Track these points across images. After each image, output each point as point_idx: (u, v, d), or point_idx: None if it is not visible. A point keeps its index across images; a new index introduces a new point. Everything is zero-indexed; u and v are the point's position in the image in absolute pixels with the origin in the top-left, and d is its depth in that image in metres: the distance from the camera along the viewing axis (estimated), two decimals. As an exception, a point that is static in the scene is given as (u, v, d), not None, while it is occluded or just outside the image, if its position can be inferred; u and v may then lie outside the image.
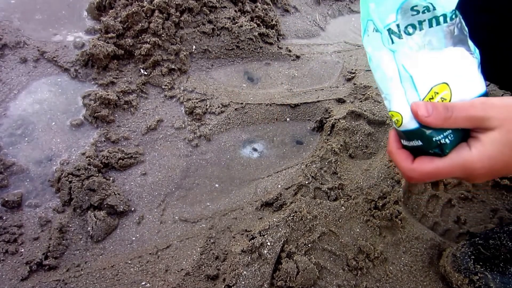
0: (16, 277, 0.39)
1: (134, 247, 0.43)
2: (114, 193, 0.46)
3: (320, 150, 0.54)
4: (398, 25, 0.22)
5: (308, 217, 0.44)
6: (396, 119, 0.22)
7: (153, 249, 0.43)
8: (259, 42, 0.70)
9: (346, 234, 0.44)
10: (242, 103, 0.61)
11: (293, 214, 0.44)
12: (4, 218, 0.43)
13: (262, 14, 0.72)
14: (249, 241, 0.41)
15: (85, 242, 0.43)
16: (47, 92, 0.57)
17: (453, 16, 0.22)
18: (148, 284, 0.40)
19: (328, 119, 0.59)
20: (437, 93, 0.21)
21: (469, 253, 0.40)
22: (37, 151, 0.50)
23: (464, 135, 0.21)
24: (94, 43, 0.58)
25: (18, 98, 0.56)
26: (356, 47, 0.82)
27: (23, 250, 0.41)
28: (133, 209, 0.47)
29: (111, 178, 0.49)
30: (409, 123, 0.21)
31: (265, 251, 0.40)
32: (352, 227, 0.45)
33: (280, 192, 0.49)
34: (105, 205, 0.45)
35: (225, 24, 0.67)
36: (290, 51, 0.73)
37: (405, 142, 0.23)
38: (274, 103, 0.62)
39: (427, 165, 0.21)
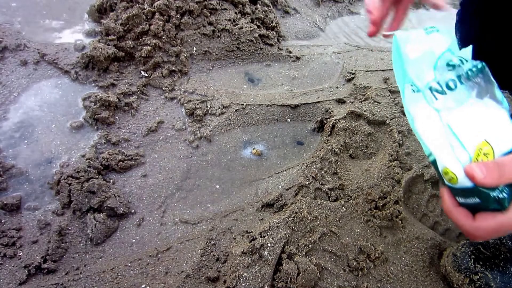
0: (14, 281, 0.38)
1: (134, 249, 0.43)
2: (114, 195, 0.46)
3: (320, 150, 0.55)
4: (438, 82, 0.22)
5: (309, 218, 0.44)
6: (451, 177, 0.22)
7: (153, 251, 0.43)
8: (260, 43, 0.71)
9: (347, 235, 0.44)
10: (242, 104, 0.61)
11: (294, 215, 0.44)
12: (3, 221, 0.43)
13: (262, 16, 0.73)
14: (250, 243, 0.41)
15: (85, 245, 0.43)
16: (48, 94, 0.57)
17: (482, 68, 0.22)
18: (148, 287, 0.40)
19: (328, 120, 0.59)
20: (481, 149, 0.21)
21: (470, 252, 0.40)
22: (36, 153, 0.50)
23: None
24: (95, 45, 0.58)
25: (18, 100, 0.55)
26: (356, 48, 0.82)
27: (21, 253, 0.40)
28: (133, 211, 0.47)
29: (111, 180, 0.49)
30: (465, 181, 0.21)
31: (265, 252, 0.40)
32: (353, 227, 0.45)
33: (280, 193, 0.49)
34: (105, 208, 0.45)
35: (225, 26, 0.68)
36: (290, 52, 0.74)
37: (461, 200, 0.22)
38: (274, 104, 0.62)
39: (491, 222, 0.21)
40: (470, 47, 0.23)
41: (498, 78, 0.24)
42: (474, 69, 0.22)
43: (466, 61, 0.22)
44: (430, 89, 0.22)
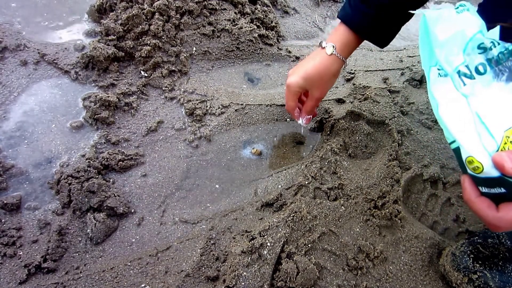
0: (14, 280, 0.38)
1: (134, 249, 0.43)
2: (114, 195, 0.46)
3: (319, 150, 0.55)
4: (467, 66, 0.20)
5: (308, 217, 0.44)
6: (476, 166, 0.20)
7: (153, 250, 0.43)
8: (259, 43, 0.71)
9: (346, 234, 0.44)
10: (242, 104, 0.61)
11: (293, 214, 0.44)
12: (3, 221, 0.43)
13: (262, 16, 0.73)
14: (249, 242, 0.41)
15: (85, 245, 0.43)
16: (47, 95, 0.57)
17: None
18: (148, 286, 0.40)
19: (327, 119, 0.59)
20: (508, 137, 0.20)
21: (468, 252, 0.40)
22: (36, 153, 0.50)
23: None
24: (95, 46, 0.59)
25: (18, 100, 0.56)
26: (354, 48, 0.83)
27: (21, 253, 0.41)
28: (133, 210, 0.47)
29: (111, 180, 0.49)
30: (491, 170, 0.20)
31: (265, 252, 0.40)
32: (352, 226, 0.45)
33: (280, 193, 0.49)
34: (105, 207, 0.45)
35: (225, 26, 0.68)
36: (290, 52, 0.74)
37: (485, 190, 0.21)
38: (274, 104, 0.62)
39: None
40: (497, 28, 0.21)
41: None
42: (505, 52, 0.20)
43: (498, 43, 0.20)
44: (459, 73, 0.20)
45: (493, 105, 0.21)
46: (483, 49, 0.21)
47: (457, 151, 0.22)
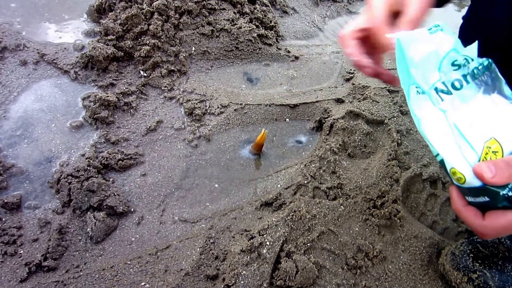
0: (15, 279, 0.39)
1: (134, 247, 0.43)
2: (114, 194, 0.46)
3: (319, 149, 0.55)
4: (443, 82, 0.21)
5: (307, 217, 0.44)
6: (459, 177, 0.21)
7: (152, 249, 0.43)
8: (258, 43, 0.71)
9: (345, 233, 0.44)
10: (241, 104, 0.61)
11: (292, 213, 0.44)
12: (3, 219, 0.43)
13: (261, 16, 0.73)
14: (249, 241, 0.41)
15: (85, 243, 0.43)
16: (47, 94, 0.57)
17: (489, 65, 0.22)
18: (148, 285, 0.40)
19: (327, 119, 0.59)
20: (489, 147, 0.21)
21: (468, 251, 0.40)
22: (36, 152, 0.50)
23: None
24: (94, 45, 0.59)
25: (18, 100, 0.56)
26: (354, 47, 0.82)
27: (22, 251, 0.41)
28: (132, 209, 0.47)
29: (110, 179, 0.49)
30: (473, 181, 0.21)
31: (264, 251, 0.40)
32: (351, 226, 0.45)
33: (279, 192, 0.49)
34: (105, 206, 0.45)
35: (224, 26, 0.68)
36: (289, 52, 0.74)
37: (470, 199, 0.22)
38: (273, 104, 0.62)
39: (501, 220, 0.21)
40: (475, 44, 0.22)
41: (506, 74, 0.23)
42: (480, 67, 0.21)
43: (472, 59, 0.22)
44: (436, 90, 0.21)
45: (472, 118, 0.22)
46: (457, 65, 0.22)
47: (442, 163, 0.23)
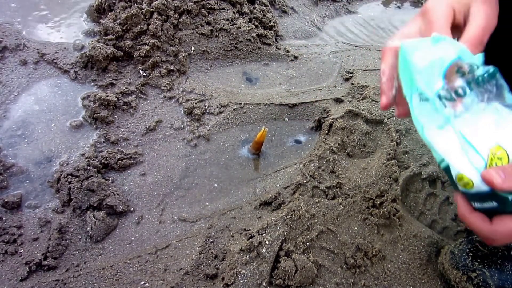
0: (15, 278, 0.39)
1: (133, 247, 0.44)
2: (113, 193, 0.46)
3: (318, 149, 0.55)
4: (447, 89, 0.22)
5: (306, 216, 0.44)
6: (466, 182, 0.21)
7: (152, 249, 0.43)
8: (257, 43, 0.71)
9: (344, 233, 0.44)
10: (240, 103, 0.62)
11: (292, 213, 0.44)
12: (3, 219, 0.43)
13: (260, 15, 0.73)
14: (248, 240, 0.41)
15: (85, 242, 0.43)
16: (47, 94, 0.58)
17: (494, 73, 0.22)
18: (147, 284, 0.40)
19: (326, 119, 0.59)
20: (494, 154, 0.21)
21: (467, 250, 0.40)
22: (36, 152, 0.50)
23: None
24: (94, 45, 0.59)
25: (18, 100, 0.56)
26: (354, 47, 0.82)
27: (22, 250, 0.41)
28: (132, 209, 0.47)
29: (110, 179, 0.49)
30: (481, 185, 0.21)
31: (263, 250, 0.40)
32: (350, 225, 0.45)
33: (278, 191, 0.50)
34: (104, 206, 0.45)
35: (223, 26, 0.68)
36: (288, 51, 0.74)
37: (477, 205, 0.22)
38: (272, 103, 0.62)
39: (510, 225, 0.20)
40: (481, 54, 0.22)
41: (509, 81, 0.23)
42: (485, 75, 0.22)
43: (477, 67, 0.22)
44: (439, 96, 0.22)
45: (476, 124, 0.22)
46: (462, 73, 0.22)
47: (447, 169, 0.23)
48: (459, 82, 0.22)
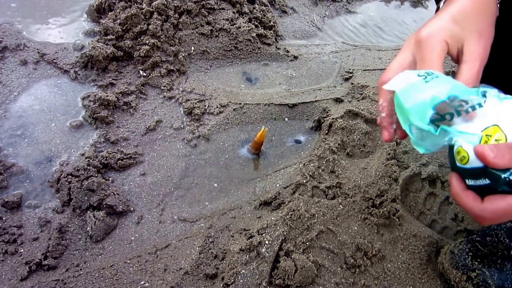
0: (15, 277, 0.39)
1: (133, 246, 0.44)
2: (113, 193, 0.46)
3: (318, 149, 0.55)
4: (438, 113, 0.23)
5: (306, 216, 0.44)
6: (463, 156, 0.22)
7: (152, 248, 0.43)
8: (257, 43, 0.71)
9: (344, 232, 0.44)
10: (240, 103, 0.62)
11: (291, 212, 0.44)
12: (4, 218, 0.43)
13: (260, 15, 0.73)
14: (248, 240, 0.41)
15: (84, 242, 0.43)
16: (47, 94, 0.58)
17: (484, 98, 0.23)
18: (147, 284, 0.40)
19: (325, 119, 0.59)
20: (490, 135, 0.21)
21: (467, 250, 0.40)
22: (36, 152, 0.50)
23: None
24: (94, 45, 0.59)
25: (18, 99, 0.56)
26: (353, 47, 0.83)
27: (22, 250, 0.41)
28: (132, 209, 0.47)
29: (110, 179, 0.49)
30: (476, 161, 0.21)
31: (263, 250, 0.40)
32: (350, 225, 0.45)
33: (278, 191, 0.50)
34: (104, 205, 0.45)
35: (223, 26, 0.68)
36: (288, 51, 0.74)
37: (470, 182, 0.23)
38: (272, 103, 0.63)
39: (500, 203, 0.20)
40: (477, 89, 0.23)
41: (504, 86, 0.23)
42: (476, 106, 0.23)
43: (467, 102, 0.23)
44: (433, 121, 0.23)
45: (476, 124, 0.23)
46: (452, 107, 0.23)
47: (451, 147, 0.24)
48: (448, 110, 0.23)
